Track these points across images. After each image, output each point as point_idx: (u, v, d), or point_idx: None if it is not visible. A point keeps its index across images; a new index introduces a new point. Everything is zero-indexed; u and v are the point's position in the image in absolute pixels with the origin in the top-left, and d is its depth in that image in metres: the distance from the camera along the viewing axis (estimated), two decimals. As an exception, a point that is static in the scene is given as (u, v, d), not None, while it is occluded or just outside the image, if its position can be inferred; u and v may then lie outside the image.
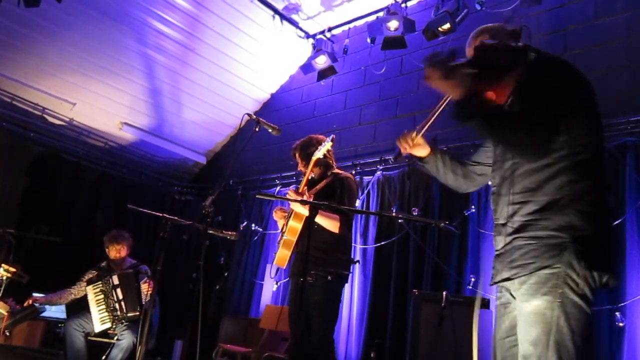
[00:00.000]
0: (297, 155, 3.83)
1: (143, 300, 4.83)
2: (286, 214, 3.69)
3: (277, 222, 3.88)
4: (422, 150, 2.33)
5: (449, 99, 2.09)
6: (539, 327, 1.73)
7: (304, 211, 3.38)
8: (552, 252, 1.75)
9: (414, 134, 2.27)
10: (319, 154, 3.56)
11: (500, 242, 1.94)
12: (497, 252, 1.96)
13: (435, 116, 2.21)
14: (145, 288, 4.84)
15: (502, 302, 1.98)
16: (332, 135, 3.57)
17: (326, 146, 3.54)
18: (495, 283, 1.95)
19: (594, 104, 1.89)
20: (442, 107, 2.17)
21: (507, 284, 1.88)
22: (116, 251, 5.14)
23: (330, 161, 3.78)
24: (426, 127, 2.24)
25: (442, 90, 1.94)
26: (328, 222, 3.42)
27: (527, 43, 2.01)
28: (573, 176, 1.80)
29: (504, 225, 1.92)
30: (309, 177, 3.71)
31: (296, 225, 3.48)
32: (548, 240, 1.77)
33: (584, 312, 1.74)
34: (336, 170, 3.79)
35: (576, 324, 1.72)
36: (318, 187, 3.64)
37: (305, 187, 3.56)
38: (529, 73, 1.88)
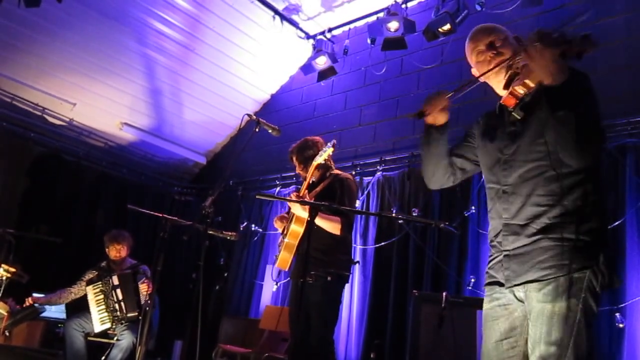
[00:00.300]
0: (294, 158, 3.84)
1: (141, 301, 4.83)
2: (286, 217, 3.69)
3: (278, 227, 3.88)
4: (443, 116, 2.16)
5: (489, 76, 2.03)
6: (562, 328, 1.73)
7: (305, 214, 3.38)
8: (583, 255, 1.77)
9: (449, 94, 2.08)
10: (320, 159, 3.54)
11: (515, 242, 1.90)
12: (511, 253, 1.90)
13: (473, 86, 2.06)
14: (144, 289, 4.84)
15: (502, 304, 1.94)
16: (334, 141, 3.54)
17: (327, 152, 3.52)
18: (516, 285, 1.88)
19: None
20: (476, 83, 2.07)
21: (520, 286, 1.87)
22: (116, 251, 5.14)
23: (329, 163, 3.78)
24: (461, 92, 2.06)
25: (540, 69, 1.73)
26: (329, 224, 3.42)
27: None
28: (593, 185, 1.85)
29: (523, 226, 1.89)
30: (304, 179, 3.73)
31: (298, 229, 3.48)
32: (578, 243, 1.78)
33: (595, 315, 1.79)
34: (335, 171, 3.79)
35: (590, 326, 1.76)
36: (318, 189, 3.64)
37: (306, 191, 3.56)
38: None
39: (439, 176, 2.27)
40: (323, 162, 3.59)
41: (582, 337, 1.73)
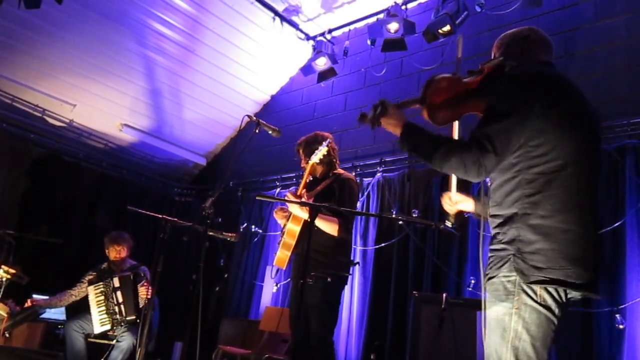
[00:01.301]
0: (301, 151, 3.80)
1: (140, 304, 4.82)
2: (287, 214, 3.68)
3: (279, 221, 3.84)
4: (467, 204, 2.34)
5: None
6: (498, 332, 1.76)
7: (302, 214, 3.37)
8: (503, 263, 1.79)
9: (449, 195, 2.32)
10: (315, 158, 3.54)
11: None
12: None
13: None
14: (143, 293, 4.83)
15: None
16: (328, 140, 3.54)
17: (322, 151, 3.52)
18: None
19: (561, 114, 1.82)
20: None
21: None
22: (116, 252, 5.14)
23: (334, 160, 3.74)
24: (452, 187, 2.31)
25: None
26: (327, 225, 3.40)
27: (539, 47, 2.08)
28: (528, 189, 1.79)
29: None
30: (311, 176, 3.70)
31: (294, 228, 3.48)
32: (500, 252, 1.82)
33: (547, 319, 1.73)
34: (338, 171, 3.76)
35: (537, 330, 1.72)
36: (318, 188, 3.62)
37: (304, 190, 3.55)
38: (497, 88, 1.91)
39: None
40: (318, 161, 3.58)
41: (523, 341, 1.73)
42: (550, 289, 1.72)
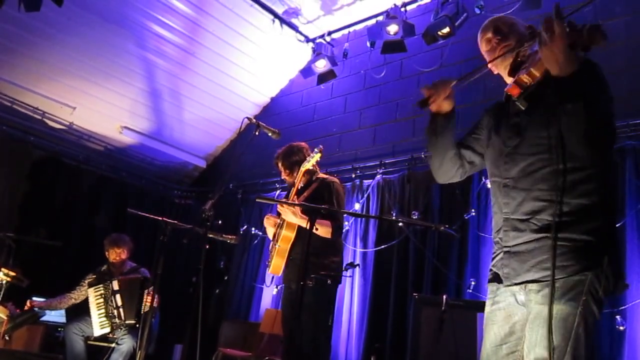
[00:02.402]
0: (279, 164, 3.88)
1: (142, 310, 4.80)
2: (279, 222, 3.69)
3: (267, 229, 3.88)
4: (447, 104, 2.07)
5: (497, 64, 1.99)
6: (559, 332, 1.66)
7: (296, 220, 3.41)
8: (586, 256, 1.70)
9: (453, 82, 2.01)
10: (308, 164, 3.59)
11: (516, 238, 1.83)
12: (512, 250, 1.85)
13: (479, 74, 2.00)
14: (148, 300, 4.82)
15: (502, 307, 1.89)
16: (320, 147, 3.59)
17: (315, 157, 3.57)
18: (516, 284, 1.82)
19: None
20: (483, 71, 2.01)
21: (517, 286, 1.82)
22: (116, 254, 5.14)
23: (315, 167, 3.80)
24: (467, 80, 2.00)
25: (548, 59, 1.64)
26: (322, 229, 3.44)
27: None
28: (600, 183, 1.76)
29: (523, 221, 1.82)
30: (290, 184, 3.78)
31: (289, 235, 3.52)
32: (578, 243, 1.71)
33: (596, 320, 1.72)
34: (321, 175, 3.83)
35: (590, 331, 1.69)
36: (306, 193, 3.67)
37: (295, 197, 3.60)
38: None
39: (446, 169, 2.18)
40: (311, 167, 3.64)
41: (580, 342, 1.66)
42: (614, 282, 1.74)
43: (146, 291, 4.85)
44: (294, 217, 3.40)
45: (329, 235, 3.46)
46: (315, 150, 3.57)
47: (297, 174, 3.70)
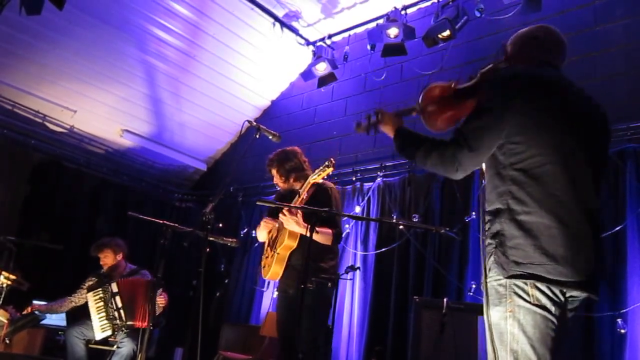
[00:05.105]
0: (274, 170, 3.78)
1: (156, 312, 4.80)
2: (275, 225, 3.66)
3: (259, 232, 3.78)
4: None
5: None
6: (496, 337, 1.74)
7: (300, 230, 3.37)
8: (490, 261, 1.79)
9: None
10: (317, 178, 3.45)
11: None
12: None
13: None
14: (161, 302, 4.85)
15: None
16: (332, 160, 3.42)
17: (327, 171, 3.41)
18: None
19: (544, 111, 1.82)
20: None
21: None
22: (102, 260, 5.19)
23: (308, 172, 3.71)
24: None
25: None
26: (322, 237, 3.42)
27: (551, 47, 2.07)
28: (512, 185, 1.79)
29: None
30: (284, 190, 3.78)
31: (291, 244, 3.47)
32: (487, 248, 1.83)
33: (543, 319, 1.70)
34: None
35: (533, 330, 1.69)
36: (304, 199, 3.60)
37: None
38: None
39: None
40: (320, 181, 3.52)
41: (521, 343, 1.69)
42: (542, 288, 1.70)
43: (158, 294, 4.86)
44: (297, 226, 3.36)
45: (329, 243, 3.46)
46: (326, 163, 3.43)
47: (292, 181, 3.67)
